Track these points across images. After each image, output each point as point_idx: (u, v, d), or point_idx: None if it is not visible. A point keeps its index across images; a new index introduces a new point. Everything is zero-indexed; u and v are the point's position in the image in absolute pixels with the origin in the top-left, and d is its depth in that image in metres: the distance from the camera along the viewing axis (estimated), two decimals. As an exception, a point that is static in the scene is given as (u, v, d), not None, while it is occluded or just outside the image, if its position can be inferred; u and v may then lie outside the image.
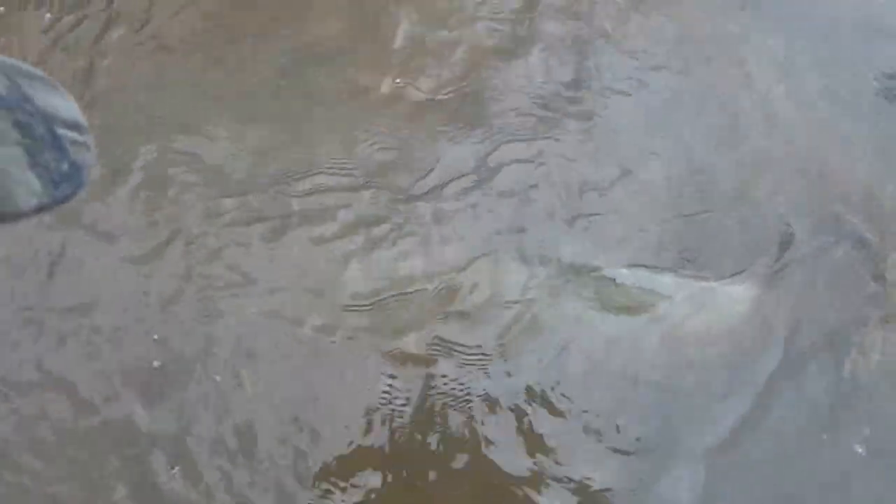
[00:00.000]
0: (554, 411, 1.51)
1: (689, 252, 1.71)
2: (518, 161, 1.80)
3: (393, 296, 1.60)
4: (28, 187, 0.53)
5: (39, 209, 0.55)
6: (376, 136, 1.76)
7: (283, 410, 1.48)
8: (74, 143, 0.56)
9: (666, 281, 1.60)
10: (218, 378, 1.50)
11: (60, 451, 1.36)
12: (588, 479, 1.46)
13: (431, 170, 1.78)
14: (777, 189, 1.82)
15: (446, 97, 1.84)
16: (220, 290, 1.58)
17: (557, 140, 1.85)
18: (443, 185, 1.76)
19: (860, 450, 1.52)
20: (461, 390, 1.53)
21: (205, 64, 1.82)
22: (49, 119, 0.54)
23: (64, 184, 0.56)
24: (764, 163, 1.83)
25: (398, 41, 1.87)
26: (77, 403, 1.42)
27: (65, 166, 0.55)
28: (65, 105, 0.55)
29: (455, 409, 1.51)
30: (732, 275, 1.66)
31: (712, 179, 1.82)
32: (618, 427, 1.51)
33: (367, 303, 1.57)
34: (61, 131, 0.55)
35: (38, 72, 0.54)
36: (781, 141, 1.88)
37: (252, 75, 1.81)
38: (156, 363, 1.50)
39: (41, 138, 0.54)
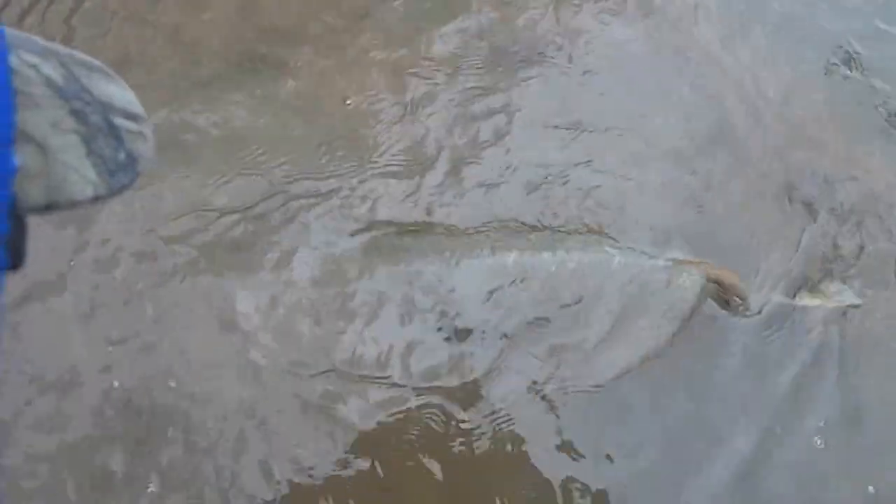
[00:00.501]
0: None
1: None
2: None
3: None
4: (83, 176, 0.53)
5: (95, 199, 0.55)
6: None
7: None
8: (131, 132, 0.56)
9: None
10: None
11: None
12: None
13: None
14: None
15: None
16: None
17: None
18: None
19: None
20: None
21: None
22: (106, 108, 0.54)
23: (120, 173, 0.55)
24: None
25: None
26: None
27: (121, 156, 0.55)
28: (122, 94, 0.55)
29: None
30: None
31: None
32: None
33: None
34: (118, 121, 0.55)
35: (96, 62, 0.55)
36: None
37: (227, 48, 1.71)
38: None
39: (97, 127, 0.54)
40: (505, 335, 1.46)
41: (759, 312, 1.64)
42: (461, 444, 1.36)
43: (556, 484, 1.35)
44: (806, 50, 1.97)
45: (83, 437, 1.25)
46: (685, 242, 1.63)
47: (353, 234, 1.51)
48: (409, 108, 1.70)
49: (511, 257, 1.54)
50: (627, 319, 1.51)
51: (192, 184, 1.53)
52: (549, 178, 1.65)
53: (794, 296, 1.69)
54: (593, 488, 1.36)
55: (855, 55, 1.98)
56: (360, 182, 1.58)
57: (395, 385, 1.38)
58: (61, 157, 0.52)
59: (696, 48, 1.92)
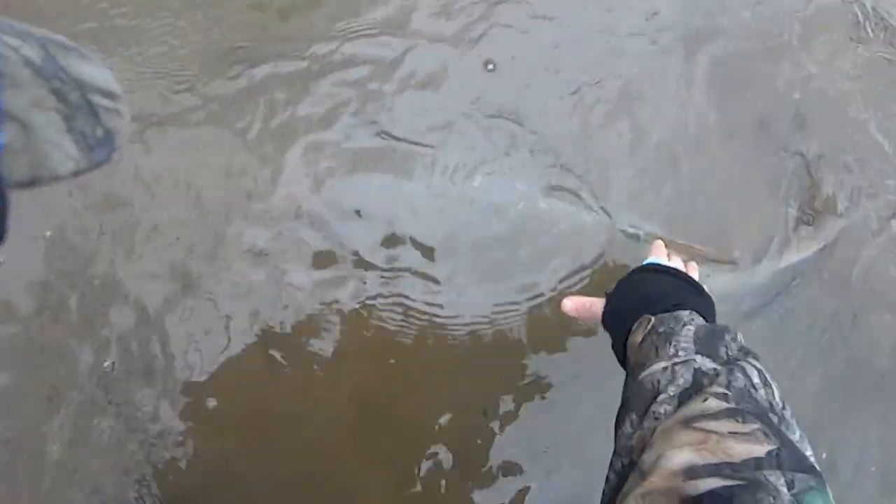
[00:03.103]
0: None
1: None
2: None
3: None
4: (65, 152, 0.56)
5: (76, 173, 0.58)
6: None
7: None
8: (108, 109, 0.59)
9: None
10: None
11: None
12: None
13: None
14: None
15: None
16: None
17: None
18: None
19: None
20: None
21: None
22: (83, 87, 0.57)
23: (98, 148, 0.59)
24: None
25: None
26: None
27: (99, 132, 0.58)
28: (98, 73, 0.58)
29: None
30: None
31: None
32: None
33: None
34: (95, 98, 0.58)
35: (72, 42, 0.57)
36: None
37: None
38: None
39: (76, 105, 0.56)
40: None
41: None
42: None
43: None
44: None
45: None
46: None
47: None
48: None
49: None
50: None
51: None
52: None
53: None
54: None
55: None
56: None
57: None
58: (43, 135, 0.55)
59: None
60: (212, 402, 1.30)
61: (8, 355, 1.26)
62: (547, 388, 1.40)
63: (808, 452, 0.66)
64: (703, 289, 1.03)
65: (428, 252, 1.42)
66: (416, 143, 1.47)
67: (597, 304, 1.07)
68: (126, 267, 1.32)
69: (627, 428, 0.78)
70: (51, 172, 0.56)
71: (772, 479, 0.60)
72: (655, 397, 0.76)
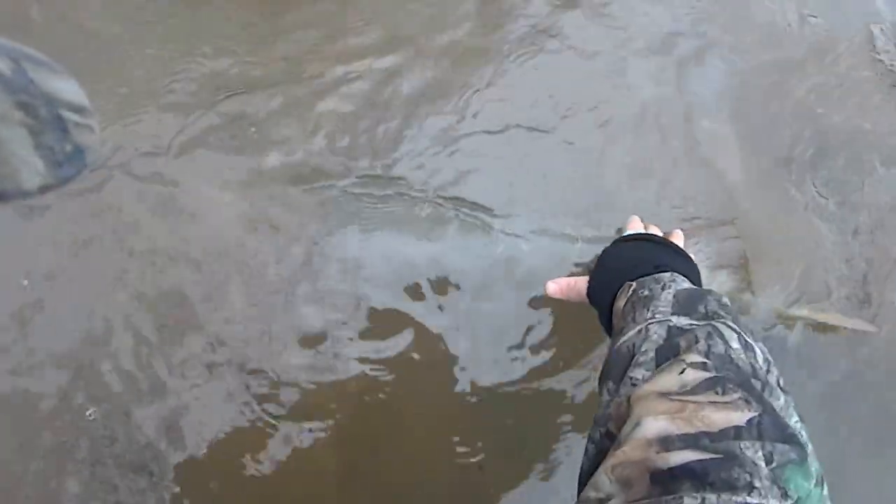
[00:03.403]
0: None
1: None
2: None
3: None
4: (32, 167, 0.55)
5: (43, 189, 0.57)
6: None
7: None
8: (77, 125, 0.58)
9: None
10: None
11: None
12: None
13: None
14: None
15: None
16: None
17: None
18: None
19: None
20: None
21: None
22: (52, 101, 0.56)
23: (67, 164, 0.58)
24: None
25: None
26: None
27: (68, 147, 0.57)
28: (68, 88, 0.58)
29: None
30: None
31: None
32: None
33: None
34: (65, 113, 0.57)
35: (42, 56, 0.57)
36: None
37: None
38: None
39: (45, 120, 0.56)
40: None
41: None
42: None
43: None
44: None
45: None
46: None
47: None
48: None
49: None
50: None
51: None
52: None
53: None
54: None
55: None
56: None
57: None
58: (10, 149, 0.54)
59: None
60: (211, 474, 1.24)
61: None
62: (550, 439, 1.35)
63: (794, 419, 0.64)
64: (686, 254, 1.01)
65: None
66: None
67: (581, 283, 1.06)
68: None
69: (605, 396, 0.76)
70: (17, 187, 0.55)
71: (749, 452, 0.57)
72: (631, 360, 0.73)
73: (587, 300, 1.04)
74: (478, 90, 1.51)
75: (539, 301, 1.36)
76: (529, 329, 1.36)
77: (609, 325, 0.94)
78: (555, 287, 1.12)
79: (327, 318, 1.32)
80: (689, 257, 1.01)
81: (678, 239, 1.16)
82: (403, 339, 1.34)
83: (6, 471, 1.19)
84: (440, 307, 1.36)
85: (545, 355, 1.36)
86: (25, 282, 1.24)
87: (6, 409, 1.21)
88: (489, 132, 1.48)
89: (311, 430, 1.28)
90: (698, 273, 0.99)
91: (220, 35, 1.48)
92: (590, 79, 1.59)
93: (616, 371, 0.75)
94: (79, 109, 0.58)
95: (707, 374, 0.65)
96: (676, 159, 1.56)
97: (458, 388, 1.34)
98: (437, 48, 1.54)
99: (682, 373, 0.67)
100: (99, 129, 0.60)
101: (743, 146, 1.63)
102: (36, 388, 1.22)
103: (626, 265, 0.96)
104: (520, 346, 1.36)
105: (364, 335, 1.33)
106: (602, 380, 0.79)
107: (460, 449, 1.32)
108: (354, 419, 1.30)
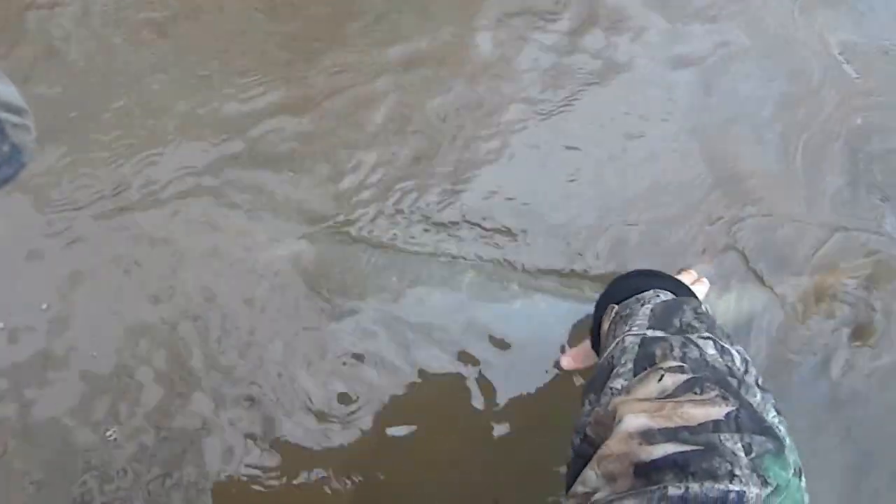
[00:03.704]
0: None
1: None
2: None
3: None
4: (-31, 168, 0.56)
5: None
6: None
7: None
8: (15, 126, 0.58)
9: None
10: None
11: None
12: None
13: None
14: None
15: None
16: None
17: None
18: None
19: None
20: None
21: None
22: None
23: (4, 165, 0.58)
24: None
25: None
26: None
27: (5, 148, 0.57)
28: (4, 89, 0.58)
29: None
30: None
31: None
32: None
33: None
34: (2, 115, 0.57)
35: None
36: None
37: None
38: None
39: None
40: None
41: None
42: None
43: None
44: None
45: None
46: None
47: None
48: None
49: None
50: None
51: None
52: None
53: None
54: None
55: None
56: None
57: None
58: None
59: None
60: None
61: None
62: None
63: (772, 414, 0.66)
64: (679, 280, 1.01)
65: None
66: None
67: (587, 344, 1.07)
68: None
69: (586, 406, 0.77)
70: (-47, 187, 0.56)
71: (728, 444, 0.59)
72: (611, 372, 0.75)
73: (594, 356, 1.05)
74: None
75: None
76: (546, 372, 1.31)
77: None
78: (568, 362, 1.13)
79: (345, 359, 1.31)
80: (683, 283, 1.01)
81: (687, 277, 1.16)
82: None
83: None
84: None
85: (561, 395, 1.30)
86: (45, 305, 1.28)
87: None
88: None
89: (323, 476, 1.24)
90: (691, 292, 0.98)
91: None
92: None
93: (597, 384, 0.77)
94: (16, 111, 0.59)
95: (685, 377, 0.67)
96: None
97: (474, 425, 1.29)
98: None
99: (660, 379, 0.68)
100: (34, 128, 0.60)
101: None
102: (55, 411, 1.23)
103: (615, 296, 0.96)
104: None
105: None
106: (584, 393, 0.80)
107: (476, 482, 1.26)
108: (370, 461, 1.26)
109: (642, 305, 0.84)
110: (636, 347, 0.74)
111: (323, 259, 1.38)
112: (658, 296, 0.87)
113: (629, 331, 0.79)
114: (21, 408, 1.23)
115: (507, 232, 1.43)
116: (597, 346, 1.01)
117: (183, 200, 1.39)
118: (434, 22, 1.64)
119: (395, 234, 1.40)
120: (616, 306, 0.89)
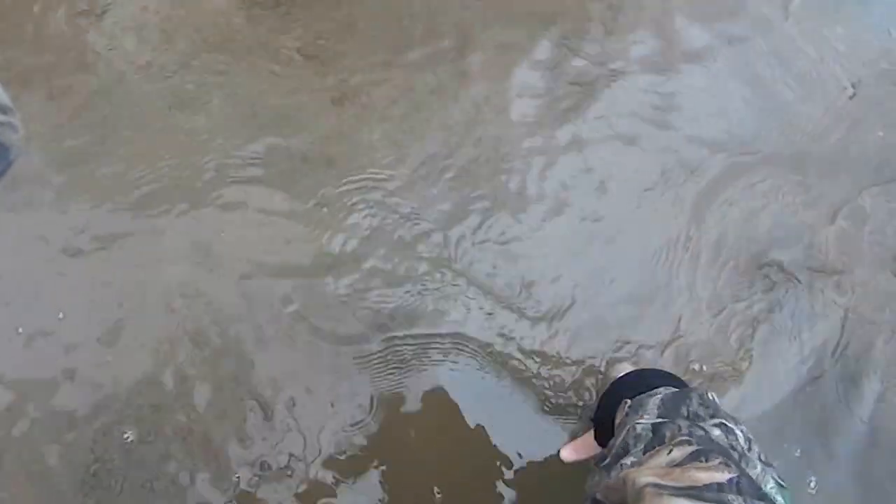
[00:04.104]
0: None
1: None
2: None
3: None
4: (-43, 165, 0.58)
5: None
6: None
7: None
8: (1, 124, 0.60)
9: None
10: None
11: None
12: None
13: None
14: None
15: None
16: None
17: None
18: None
19: None
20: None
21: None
22: None
23: None
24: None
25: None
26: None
27: None
28: (-9, 89, 0.60)
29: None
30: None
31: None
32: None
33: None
34: None
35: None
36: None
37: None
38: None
39: None
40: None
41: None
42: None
43: None
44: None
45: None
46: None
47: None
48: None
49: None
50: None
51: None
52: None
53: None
54: None
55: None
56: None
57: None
58: None
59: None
60: None
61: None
62: None
63: (770, 486, 0.73)
64: (681, 379, 1.06)
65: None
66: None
67: (588, 436, 1.11)
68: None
69: (595, 478, 0.84)
70: (-58, 185, 0.58)
71: (735, 502, 0.64)
72: (623, 456, 0.81)
73: (597, 447, 1.09)
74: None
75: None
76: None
77: None
78: (569, 452, 1.14)
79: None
80: (684, 382, 1.05)
81: None
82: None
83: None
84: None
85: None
86: (61, 315, 1.31)
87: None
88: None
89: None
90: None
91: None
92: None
93: (608, 463, 0.84)
94: (3, 109, 0.61)
95: (692, 448, 0.74)
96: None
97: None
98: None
99: (669, 452, 0.75)
100: (21, 126, 0.62)
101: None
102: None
103: (625, 394, 1.00)
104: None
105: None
106: (591, 473, 0.88)
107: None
108: None
109: (651, 398, 0.91)
110: (648, 433, 0.82)
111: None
112: (668, 390, 0.94)
113: (639, 419, 0.86)
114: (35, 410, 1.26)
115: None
116: (599, 438, 1.06)
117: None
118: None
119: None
120: (629, 401, 0.95)
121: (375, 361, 1.33)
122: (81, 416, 1.25)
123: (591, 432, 1.10)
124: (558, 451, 1.16)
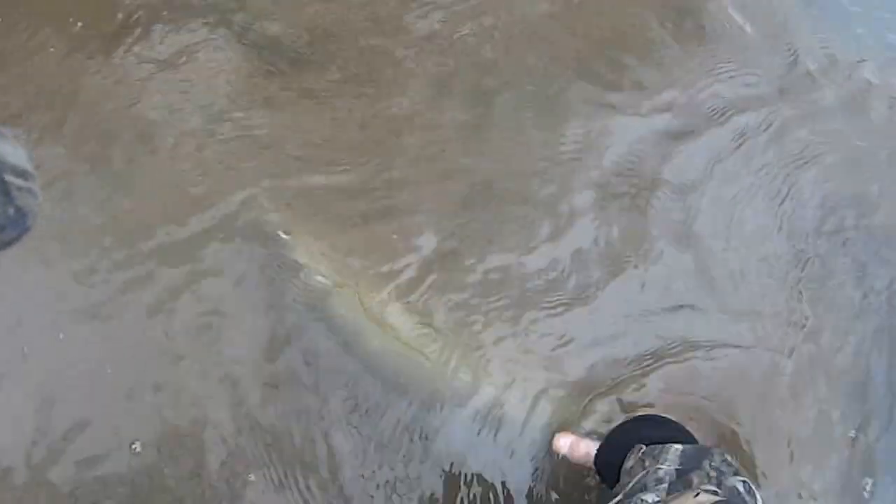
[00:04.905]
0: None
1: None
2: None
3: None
4: (-25, 230, 0.56)
5: None
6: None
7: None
8: (20, 189, 0.58)
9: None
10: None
11: None
12: None
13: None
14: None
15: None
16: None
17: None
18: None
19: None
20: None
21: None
22: None
23: (9, 228, 0.58)
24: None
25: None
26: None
27: (10, 211, 0.58)
28: (12, 152, 0.58)
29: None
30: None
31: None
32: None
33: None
34: (8, 178, 0.58)
35: (-13, 123, 0.58)
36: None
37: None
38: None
39: None
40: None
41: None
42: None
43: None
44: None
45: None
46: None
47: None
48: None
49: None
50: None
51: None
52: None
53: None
54: None
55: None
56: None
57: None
58: None
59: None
60: None
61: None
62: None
63: None
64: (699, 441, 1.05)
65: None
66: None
67: (590, 446, 1.10)
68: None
69: None
70: (-40, 248, 0.56)
71: None
72: (641, 492, 0.80)
73: (590, 460, 1.08)
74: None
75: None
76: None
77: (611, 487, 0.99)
78: (564, 443, 1.14)
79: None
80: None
81: None
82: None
83: None
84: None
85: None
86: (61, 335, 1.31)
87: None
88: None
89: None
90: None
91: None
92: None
93: (622, 500, 0.83)
94: (22, 173, 0.59)
95: (717, 499, 0.73)
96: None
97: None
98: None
99: (696, 496, 0.74)
100: (40, 192, 0.60)
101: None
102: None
103: (641, 437, 0.99)
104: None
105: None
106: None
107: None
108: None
109: (670, 447, 0.90)
110: (672, 477, 0.81)
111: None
112: (684, 445, 0.92)
113: (660, 465, 0.85)
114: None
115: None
116: (599, 466, 1.05)
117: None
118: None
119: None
120: (643, 447, 0.93)
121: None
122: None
123: (595, 445, 1.08)
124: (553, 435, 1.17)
